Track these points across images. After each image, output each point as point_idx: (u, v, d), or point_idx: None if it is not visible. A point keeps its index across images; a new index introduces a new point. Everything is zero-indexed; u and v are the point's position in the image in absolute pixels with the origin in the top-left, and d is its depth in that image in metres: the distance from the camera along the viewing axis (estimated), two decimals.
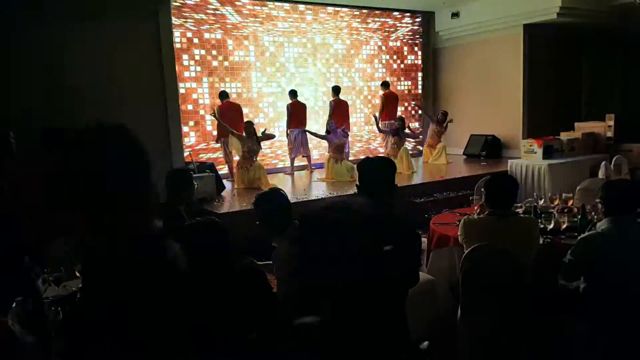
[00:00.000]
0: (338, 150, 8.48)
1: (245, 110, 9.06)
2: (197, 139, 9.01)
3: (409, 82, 11.79)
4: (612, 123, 8.54)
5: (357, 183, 2.67)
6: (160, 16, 6.92)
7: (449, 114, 10.20)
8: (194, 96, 8.95)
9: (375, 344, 2.35)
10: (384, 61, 11.33)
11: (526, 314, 2.91)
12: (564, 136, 8.34)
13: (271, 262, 2.93)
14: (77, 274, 2.84)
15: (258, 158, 8.04)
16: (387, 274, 2.40)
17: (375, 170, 2.66)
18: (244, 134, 7.81)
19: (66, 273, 2.87)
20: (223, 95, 8.57)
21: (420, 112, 11.74)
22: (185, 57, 8.70)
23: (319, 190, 7.55)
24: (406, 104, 11.69)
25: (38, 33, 6.14)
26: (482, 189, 3.32)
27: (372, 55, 11.15)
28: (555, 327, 3.03)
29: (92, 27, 6.48)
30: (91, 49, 6.50)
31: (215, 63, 9.11)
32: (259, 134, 7.97)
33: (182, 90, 8.40)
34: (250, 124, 8.01)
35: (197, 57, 8.88)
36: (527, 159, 7.82)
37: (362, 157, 10.70)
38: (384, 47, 11.29)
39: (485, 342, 3.00)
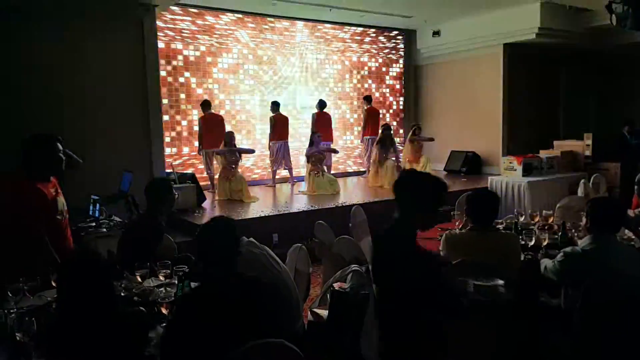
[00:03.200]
0: (317, 162, 8.46)
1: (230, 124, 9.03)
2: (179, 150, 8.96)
3: (391, 99, 11.87)
4: (590, 142, 8.69)
5: (398, 201, 2.59)
6: (144, 25, 6.86)
7: (429, 131, 10.24)
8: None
9: None
10: (366, 76, 11.41)
11: (507, 330, 2.91)
12: (543, 154, 8.46)
13: None
14: (53, 284, 2.76)
15: (239, 170, 8.01)
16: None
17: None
18: (221, 147, 7.84)
19: (41, 283, 2.80)
20: (205, 105, 8.50)
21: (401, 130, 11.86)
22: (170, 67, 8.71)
23: (301, 203, 7.52)
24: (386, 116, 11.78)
25: (20, 36, 6.05)
26: (465, 204, 3.33)
27: (354, 71, 11.23)
28: (537, 343, 3.04)
29: (76, 34, 6.40)
30: (74, 56, 6.41)
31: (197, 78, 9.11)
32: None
33: (165, 101, 8.36)
34: (230, 134, 7.99)
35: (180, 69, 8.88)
36: (507, 175, 7.90)
37: (350, 170, 10.86)
38: (366, 63, 11.38)
39: (466, 358, 2.98)
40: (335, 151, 9.47)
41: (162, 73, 8.27)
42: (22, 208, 3.05)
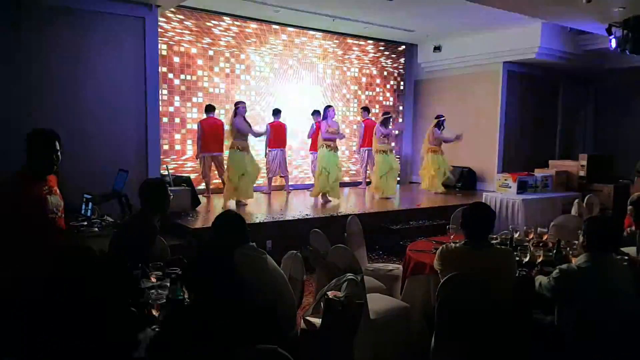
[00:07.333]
0: (330, 138, 8.24)
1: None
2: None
3: (389, 110, 11.87)
4: (585, 163, 8.72)
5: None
6: (146, 25, 6.84)
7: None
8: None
9: None
10: (364, 88, 11.45)
11: (501, 346, 2.89)
12: (538, 173, 8.48)
13: None
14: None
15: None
16: None
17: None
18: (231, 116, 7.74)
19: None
20: (209, 109, 8.48)
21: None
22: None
23: (295, 210, 7.49)
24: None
25: (18, 33, 6.01)
26: (460, 218, 3.31)
27: (354, 82, 11.26)
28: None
29: (76, 32, 6.37)
30: (73, 53, 6.37)
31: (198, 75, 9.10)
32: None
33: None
34: (241, 103, 7.85)
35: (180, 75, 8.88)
36: (502, 192, 7.92)
37: (346, 179, 10.84)
38: (365, 75, 11.42)
39: None
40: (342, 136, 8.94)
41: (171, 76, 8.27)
42: (6, 208, 2.95)
